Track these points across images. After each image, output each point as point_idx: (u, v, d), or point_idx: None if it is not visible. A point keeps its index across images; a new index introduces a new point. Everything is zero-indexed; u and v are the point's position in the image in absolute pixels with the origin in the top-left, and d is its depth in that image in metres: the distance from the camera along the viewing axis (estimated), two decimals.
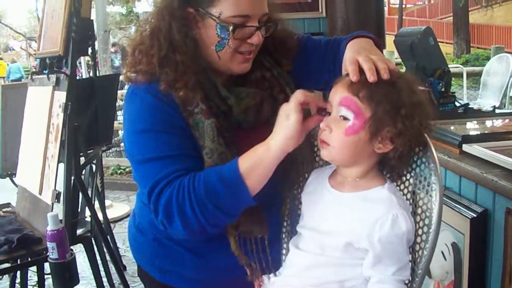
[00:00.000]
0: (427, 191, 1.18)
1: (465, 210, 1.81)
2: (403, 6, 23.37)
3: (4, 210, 2.93)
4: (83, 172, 3.10)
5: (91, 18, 2.96)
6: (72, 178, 2.64)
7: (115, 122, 3.74)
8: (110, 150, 6.80)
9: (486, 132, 2.29)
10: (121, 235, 4.27)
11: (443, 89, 2.47)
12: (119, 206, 5.33)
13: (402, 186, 1.25)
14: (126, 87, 1.40)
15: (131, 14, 21.61)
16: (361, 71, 1.14)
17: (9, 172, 3.14)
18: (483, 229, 1.76)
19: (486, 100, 5.38)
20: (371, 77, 1.11)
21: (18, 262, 2.54)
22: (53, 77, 2.67)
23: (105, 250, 3.09)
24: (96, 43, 3.92)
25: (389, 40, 3.55)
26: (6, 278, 3.02)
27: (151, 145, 1.23)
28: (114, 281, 3.21)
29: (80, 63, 7.42)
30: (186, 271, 1.38)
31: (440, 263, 1.98)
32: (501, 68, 5.63)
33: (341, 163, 1.21)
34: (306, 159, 1.35)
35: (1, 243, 2.38)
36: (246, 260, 1.32)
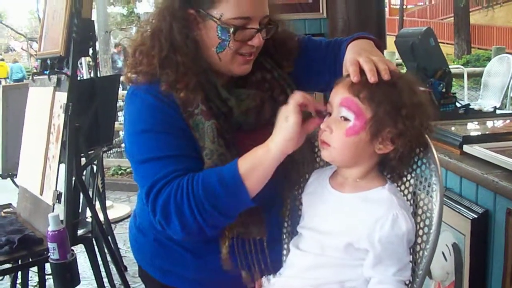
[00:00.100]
0: (427, 192, 1.18)
1: (466, 210, 1.81)
2: (404, 6, 23.38)
3: (5, 210, 2.93)
4: (84, 173, 3.09)
5: (92, 18, 2.96)
6: (73, 178, 2.64)
7: (116, 122, 3.75)
8: (111, 151, 6.81)
9: (487, 132, 2.29)
10: (122, 235, 4.27)
11: (443, 90, 2.47)
12: (120, 206, 5.33)
13: (402, 187, 1.26)
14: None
15: (132, 14, 21.63)
16: (361, 72, 1.14)
17: (10, 173, 3.14)
18: (483, 229, 1.76)
19: (487, 101, 5.38)
20: (371, 78, 1.11)
21: (19, 262, 2.54)
22: (54, 77, 2.67)
23: (106, 250, 3.09)
24: (97, 44, 3.93)
25: (390, 40, 3.55)
26: (7, 279, 3.02)
27: (151, 145, 1.23)
28: (115, 282, 3.21)
29: (81, 63, 7.42)
30: (186, 272, 1.38)
31: (440, 263, 1.98)
32: (502, 68, 5.64)
33: (341, 164, 1.21)
34: (306, 159, 1.35)
35: (2, 243, 2.39)
36: (231, 266, 1.32)
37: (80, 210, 2.95)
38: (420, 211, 1.20)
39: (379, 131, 1.12)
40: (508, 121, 2.43)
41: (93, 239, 2.92)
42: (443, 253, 1.97)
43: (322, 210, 1.22)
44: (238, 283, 1.34)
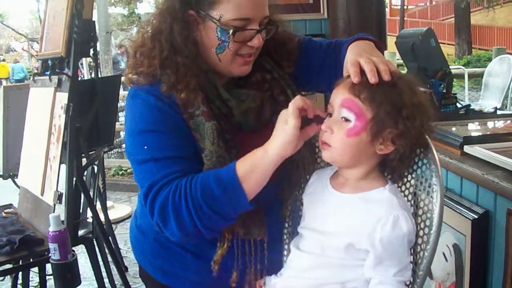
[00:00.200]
0: (428, 192, 1.18)
1: (466, 211, 1.81)
2: (405, 7, 23.37)
3: (6, 211, 2.93)
4: (85, 173, 3.09)
5: (93, 19, 2.97)
6: (74, 179, 2.64)
7: (117, 123, 3.75)
8: (112, 151, 6.81)
9: (488, 133, 2.30)
10: (123, 236, 4.27)
11: (444, 91, 2.47)
12: (120, 207, 5.33)
13: (403, 187, 1.26)
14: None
15: (133, 15, 21.65)
16: (362, 72, 1.14)
17: (11, 173, 3.13)
18: (484, 230, 1.76)
19: (487, 101, 5.37)
20: (372, 79, 1.12)
21: (20, 263, 2.54)
22: (55, 78, 2.67)
23: (106, 251, 3.09)
24: (98, 44, 3.93)
25: (391, 41, 3.55)
26: (8, 279, 3.01)
27: (151, 145, 1.23)
28: (116, 282, 3.20)
29: (82, 64, 7.42)
30: (187, 272, 1.38)
31: (441, 264, 1.98)
32: (503, 69, 5.63)
33: (342, 164, 1.21)
34: (307, 160, 1.35)
35: (3, 244, 2.39)
36: (220, 271, 1.32)
37: (81, 211, 2.95)
38: (420, 212, 1.20)
39: (380, 131, 1.12)
40: (508, 121, 2.43)
41: (94, 239, 2.92)
42: (443, 254, 1.97)
43: (323, 210, 1.22)
44: (239, 283, 1.34)
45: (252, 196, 1.17)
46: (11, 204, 3.04)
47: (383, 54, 1.35)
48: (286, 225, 1.39)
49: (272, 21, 1.32)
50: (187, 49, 1.26)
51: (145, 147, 1.24)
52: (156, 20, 1.30)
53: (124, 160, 6.61)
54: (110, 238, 3.25)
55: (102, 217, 3.22)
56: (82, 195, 2.80)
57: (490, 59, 8.88)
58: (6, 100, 3.14)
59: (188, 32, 1.27)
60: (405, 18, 21.89)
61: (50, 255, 2.12)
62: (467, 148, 1.92)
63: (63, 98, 2.58)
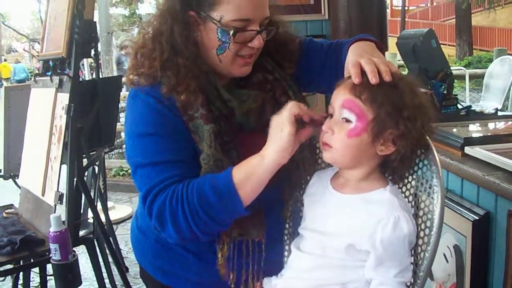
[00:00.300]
0: (428, 194, 1.19)
1: (467, 212, 1.81)
2: (406, 8, 23.38)
3: (7, 211, 2.93)
4: (86, 174, 3.10)
5: (94, 20, 2.97)
6: (75, 179, 2.64)
7: (118, 123, 3.75)
8: (113, 152, 6.81)
9: (489, 134, 2.30)
10: (124, 236, 4.27)
11: (445, 92, 2.47)
12: (121, 207, 5.33)
13: (404, 188, 1.26)
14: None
15: (134, 16, 21.68)
16: (363, 73, 1.14)
17: (12, 174, 3.14)
18: (485, 231, 1.76)
19: (488, 103, 5.37)
20: (373, 79, 1.12)
21: (21, 263, 2.54)
22: (56, 79, 2.67)
23: (107, 251, 3.09)
24: (99, 45, 3.92)
25: (392, 42, 3.55)
26: (8, 279, 3.02)
27: (150, 149, 1.24)
28: (116, 283, 3.20)
29: (83, 65, 7.42)
30: (187, 273, 1.38)
31: (442, 265, 1.98)
32: (504, 70, 5.63)
33: (343, 165, 1.21)
34: (308, 161, 1.35)
35: (4, 244, 2.39)
36: (226, 272, 1.32)
37: (81, 211, 2.95)
38: (421, 213, 1.20)
39: (381, 132, 1.12)
40: (509, 122, 2.43)
41: (95, 240, 2.92)
42: (444, 255, 1.97)
43: (323, 211, 1.22)
44: (236, 284, 1.34)
45: (248, 202, 1.17)
46: (12, 205, 3.04)
47: (384, 55, 1.35)
48: (287, 226, 1.39)
49: (273, 22, 1.32)
50: (188, 50, 1.26)
51: (144, 150, 1.24)
52: (156, 21, 1.30)
53: (125, 160, 6.57)
54: (110, 238, 3.25)
55: (103, 217, 3.22)
56: (83, 196, 2.80)
57: (491, 60, 8.87)
58: (7, 101, 3.15)
59: (188, 33, 1.27)
60: (406, 19, 21.91)
61: (51, 255, 2.12)
62: (468, 149, 1.92)
63: (64, 98, 2.58)
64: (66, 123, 2.52)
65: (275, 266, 1.34)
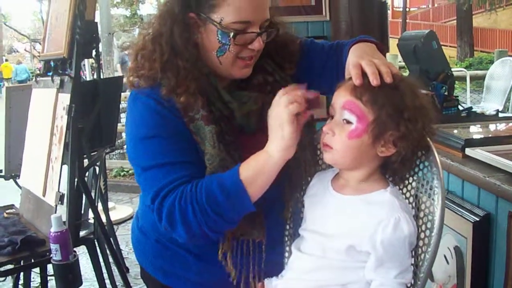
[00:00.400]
0: (429, 195, 1.19)
1: (468, 214, 1.81)
2: (407, 9, 23.37)
3: (7, 211, 2.93)
4: (87, 174, 3.10)
5: (95, 20, 2.97)
6: (76, 180, 2.64)
7: (119, 124, 3.75)
8: (114, 152, 6.82)
9: (489, 136, 2.29)
10: (124, 237, 4.27)
11: (446, 93, 2.47)
12: (122, 208, 5.33)
13: (404, 190, 1.26)
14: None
15: (135, 16, 21.69)
16: (364, 75, 1.14)
17: (13, 174, 3.14)
18: (485, 233, 1.76)
19: (489, 104, 5.37)
20: (374, 81, 1.12)
21: (21, 263, 2.54)
22: (57, 79, 2.68)
23: (108, 252, 3.09)
24: (100, 46, 3.92)
25: (393, 43, 3.56)
26: (9, 280, 3.02)
27: (154, 151, 1.24)
28: (117, 283, 3.21)
29: (84, 65, 7.43)
30: (188, 273, 1.39)
31: (442, 266, 1.98)
32: (505, 72, 5.63)
33: (343, 166, 1.21)
34: (308, 162, 1.35)
35: (4, 244, 2.39)
36: (220, 271, 1.33)
37: (82, 212, 2.95)
38: (421, 214, 1.20)
39: (382, 134, 1.12)
40: (510, 124, 2.43)
41: (95, 240, 2.92)
42: (445, 256, 1.97)
43: (324, 212, 1.22)
44: (240, 284, 1.34)
45: (256, 198, 1.18)
46: (13, 205, 3.04)
47: (385, 56, 1.35)
48: (287, 227, 1.39)
49: (273, 23, 1.32)
50: (188, 52, 1.26)
51: (148, 153, 1.24)
52: (156, 22, 1.30)
53: (126, 161, 6.61)
54: (111, 239, 3.26)
55: (103, 218, 3.22)
56: (84, 196, 2.80)
57: (492, 62, 8.88)
58: (8, 101, 3.15)
59: (188, 35, 1.27)
60: (407, 20, 21.89)
61: (51, 255, 2.12)
62: (468, 151, 1.92)
63: (65, 99, 2.58)
64: (67, 124, 2.53)
65: (275, 267, 1.34)
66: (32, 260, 2.52)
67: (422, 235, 1.18)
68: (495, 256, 1.75)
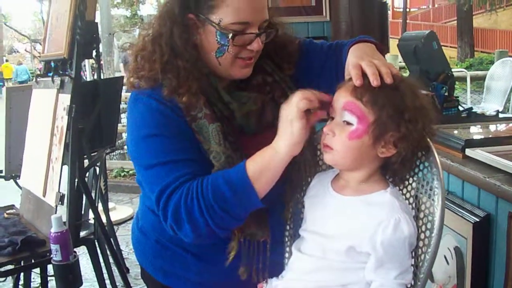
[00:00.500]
0: (429, 195, 1.18)
1: (468, 214, 1.81)
2: (407, 10, 23.37)
3: (8, 212, 2.93)
4: (87, 175, 3.10)
5: (96, 21, 2.97)
6: (76, 180, 2.64)
7: (119, 124, 3.75)
8: (114, 153, 6.82)
9: (490, 136, 2.29)
10: (124, 237, 4.28)
11: (446, 93, 2.47)
12: (122, 208, 5.33)
13: (404, 191, 1.26)
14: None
15: (135, 17, 21.70)
16: (364, 75, 1.14)
17: (13, 174, 3.14)
18: (485, 233, 1.76)
19: (489, 105, 5.37)
20: (374, 82, 1.12)
21: (22, 264, 2.55)
22: (57, 79, 2.68)
23: (108, 252, 3.09)
24: (101, 46, 3.93)
25: (393, 44, 3.56)
26: (9, 280, 3.02)
27: (156, 150, 1.23)
28: (117, 284, 3.21)
29: (84, 65, 7.44)
30: (188, 273, 1.39)
31: (442, 267, 1.98)
32: (505, 72, 5.63)
33: (344, 167, 1.21)
34: (309, 162, 1.35)
35: (4, 245, 2.39)
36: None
37: (82, 212, 2.95)
38: (422, 215, 1.20)
39: (382, 134, 1.12)
40: (510, 124, 2.43)
41: (96, 240, 2.92)
42: (445, 257, 1.97)
43: (324, 213, 1.22)
44: (240, 285, 1.34)
45: (263, 194, 1.17)
46: (13, 205, 3.04)
47: (384, 56, 1.35)
48: (288, 227, 1.39)
49: (272, 24, 1.32)
50: (188, 53, 1.26)
51: (151, 152, 1.24)
52: (156, 23, 1.30)
53: (126, 161, 6.62)
54: (111, 239, 3.26)
55: (103, 218, 3.22)
56: (84, 197, 2.80)
57: (492, 62, 8.88)
58: (8, 101, 3.15)
59: (188, 35, 1.27)
60: (407, 21, 21.88)
61: (51, 256, 2.12)
62: (468, 151, 1.92)
63: (65, 99, 2.58)
64: (67, 124, 2.53)
65: (276, 268, 1.34)
66: (33, 261, 2.52)
67: (422, 236, 1.18)
68: (495, 256, 1.75)
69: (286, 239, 1.39)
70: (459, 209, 1.86)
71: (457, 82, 3.93)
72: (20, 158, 2.99)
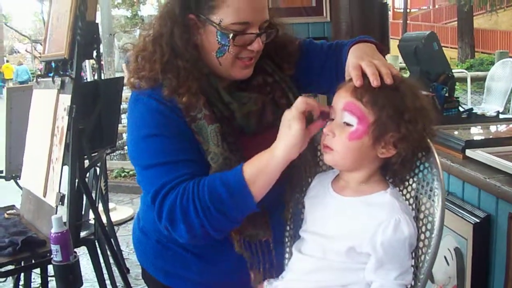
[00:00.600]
0: (429, 196, 1.18)
1: (468, 215, 1.81)
2: (408, 10, 23.36)
3: (8, 212, 2.93)
4: (87, 175, 3.10)
5: (96, 21, 2.97)
6: (76, 180, 2.64)
7: (120, 125, 3.76)
8: (114, 153, 6.83)
9: (490, 137, 2.29)
10: (125, 238, 4.28)
11: (447, 94, 2.48)
12: (122, 209, 5.33)
13: (404, 191, 1.26)
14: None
15: (136, 17, 21.72)
16: (364, 76, 1.14)
17: (13, 174, 3.14)
18: (486, 234, 1.76)
19: (490, 105, 5.38)
20: (374, 82, 1.12)
21: (22, 264, 2.55)
22: (58, 80, 2.68)
23: (108, 252, 3.09)
24: (101, 46, 3.93)
25: (394, 44, 3.55)
26: (10, 280, 3.02)
27: (155, 150, 1.23)
28: (118, 284, 3.21)
29: (85, 66, 7.44)
30: (189, 274, 1.39)
31: (443, 268, 1.98)
32: (505, 73, 5.63)
33: (344, 168, 1.21)
34: (309, 163, 1.35)
35: (5, 245, 2.39)
36: (250, 258, 1.32)
37: (83, 212, 2.95)
38: (422, 215, 1.20)
39: (382, 135, 1.12)
40: (511, 125, 2.43)
41: (96, 241, 2.92)
42: (445, 257, 1.97)
43: (324, 214, 1.22)
44: (241, 285, 1.34)
45: (260, 198, 1.17)
46: (14, 205, 3.05)
47: (384, 57, 1.35)
48: (288, 228, 1.39)
49: (272, 24, 1.32)
50: (188, 53, 1.26)
51: (150, 152, 1.24)
52: (157, 23, 1.30)
53: (127, 162, 6.62)
54: (112, 240, 3.26)
55: (104, 219, 3.22)
56: (84, 197, 2.80)
57: (492, 63, 8.88)
58: (9, 102, 3.16)
59: (188, 36, 1.27)
60: (408, 22, 21.86)
61: (52, 256, 2.13)
62: (469, 152, 1.92)
63: (66, 100, 2.58)
64: (68, 124, 2.53)
65: (277, 268, 1.34)
66: (33, 261, 2.52)
67: (422, 237, 1.18)
68: (495, 257, 1.75)
69: (286, 240, 1.39)
70: (459, 210, 1.86)
71: (457, 83, 3.94)
72: (20, 158, 3.00)
